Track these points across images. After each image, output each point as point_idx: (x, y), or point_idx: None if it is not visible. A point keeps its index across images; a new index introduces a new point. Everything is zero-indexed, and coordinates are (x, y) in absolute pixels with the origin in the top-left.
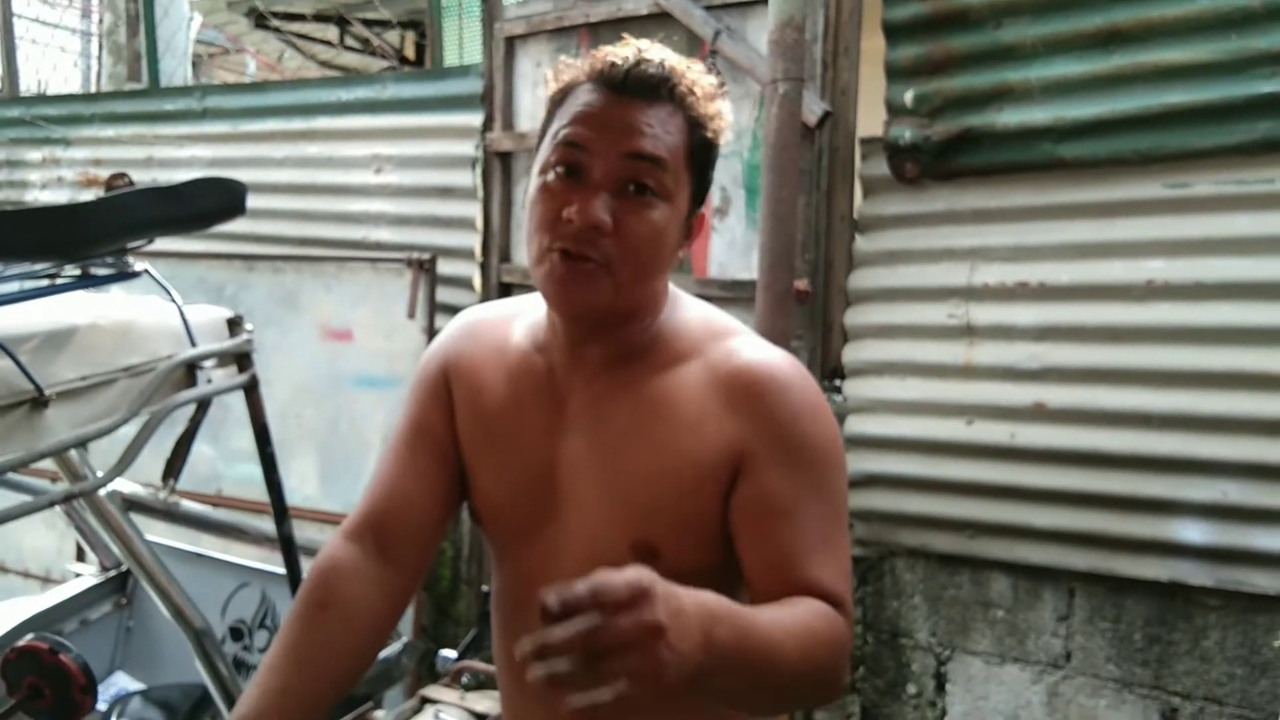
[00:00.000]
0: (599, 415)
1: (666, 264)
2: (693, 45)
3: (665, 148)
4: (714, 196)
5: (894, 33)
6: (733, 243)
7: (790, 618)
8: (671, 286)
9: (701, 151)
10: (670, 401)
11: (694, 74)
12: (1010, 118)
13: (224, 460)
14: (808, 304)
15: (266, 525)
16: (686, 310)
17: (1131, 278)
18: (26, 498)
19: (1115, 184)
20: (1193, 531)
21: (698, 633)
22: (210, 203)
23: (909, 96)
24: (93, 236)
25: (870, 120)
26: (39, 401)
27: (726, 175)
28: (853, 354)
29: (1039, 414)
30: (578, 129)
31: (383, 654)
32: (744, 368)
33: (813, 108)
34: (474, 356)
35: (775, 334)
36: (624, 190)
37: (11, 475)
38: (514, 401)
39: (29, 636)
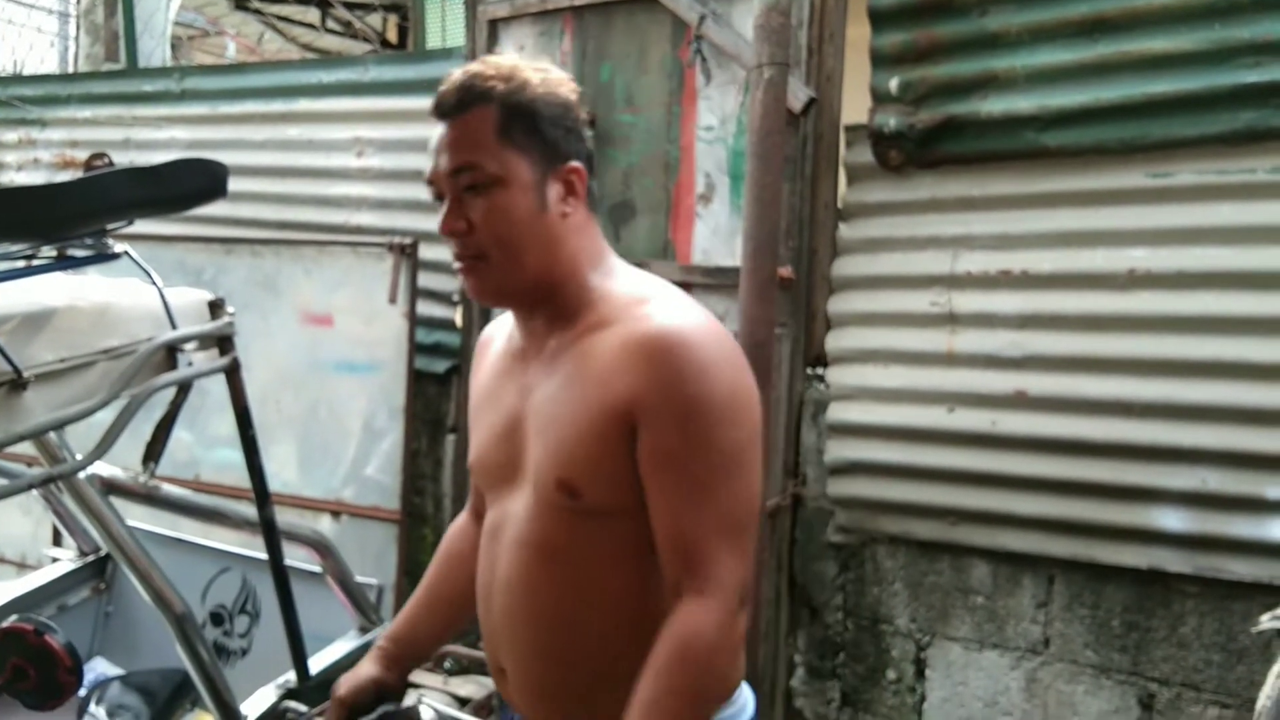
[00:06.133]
0: (548, 373)
1: (540, 233)
2: (678, 30)
3: (472, 149)
4: (698, 183)
5: (879, 19)
6: (716, 229)
7: (649, 695)
8: (611, 260)
9: (519, 120)
10: (592, 359)
11: (492, 63)
12: (995, 106)
13: (202, 445)
14: (791, 291)
15: (248, 510)
16: (617, 279)
17: (1114, 266)
18: (3, 481)
19: (1098, 173)
20: (1172, 519)
21: None
22: (191, 184)
23: (894, 84)
24: (71, 217)
25: (855, 107)
26: (17, 384)
27: (711, 161)
28: (835, 341)
29: (1020, 402)
30: (430, 166)
31: (364, 638)
32: (645, 330)
33: (798, 94)
34: (485, 344)
35: (759, 320)
36: (464, 194)
37: None
38: (498, 375)
39: (13, 618)
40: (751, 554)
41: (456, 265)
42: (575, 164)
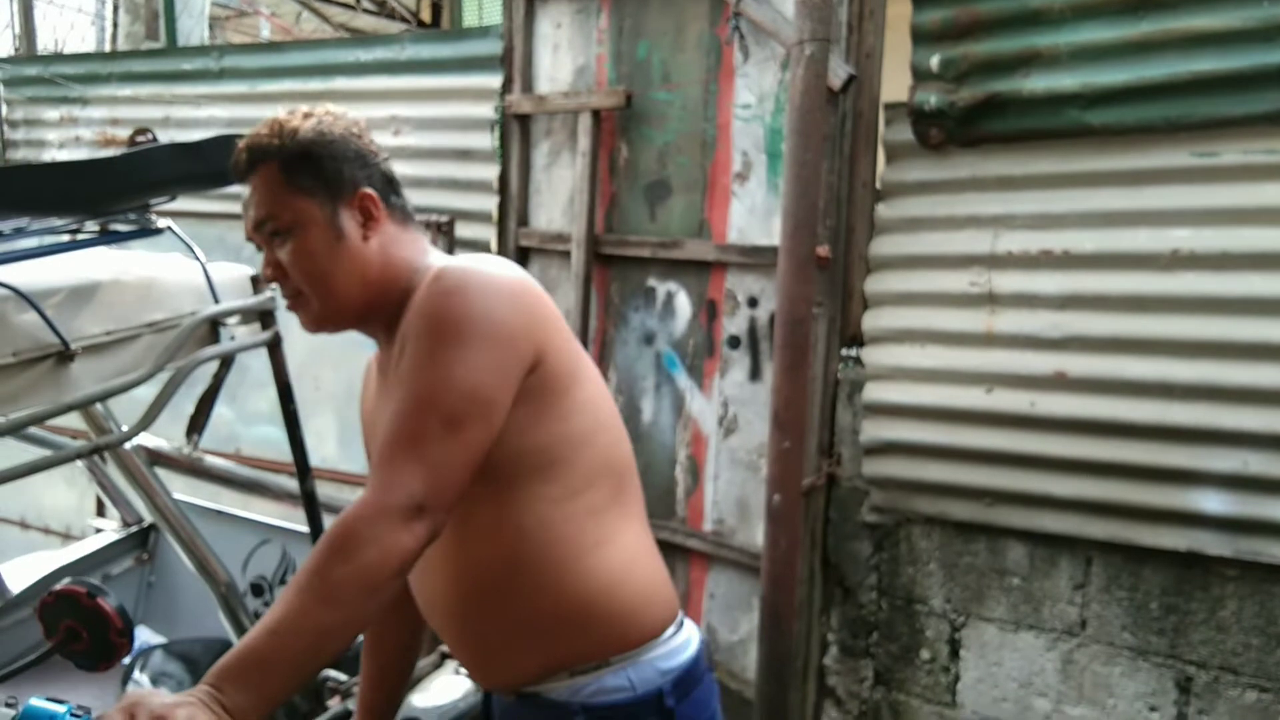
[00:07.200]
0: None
1: (343, 260)
2: (716, 7)
3: (266, 203)
4: (735, 161)
5: None
6: (753, 208)
7: (290, 590)
8: (429, 259)
9: (299, 167)
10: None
11: (269, 122)
12: (1037, 83)
13: (242, 421)
14: (828, 270)
15: (288, 483)
16: (426, 276)
17: (1157, 246)
18: (50, 452)
19: (1142, 152)
20: (1212, 502)
21: (203, 694)
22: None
23: (935, 61)
24: (116, 191)
25: (895, 85)
26: (65, 355)
27: (748, 140)
28: (873, 321)
29: (1060, 383)
30: (245, 222)
31: None
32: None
33: (837, 71)
34: (369, 370)
35: (797, 299)
36: (272, 242)
37: (35, 430)
38: (377, 394)
39: (65, 581)
40: (443, 466)
41: (285, 306)
42: (365, 190)
